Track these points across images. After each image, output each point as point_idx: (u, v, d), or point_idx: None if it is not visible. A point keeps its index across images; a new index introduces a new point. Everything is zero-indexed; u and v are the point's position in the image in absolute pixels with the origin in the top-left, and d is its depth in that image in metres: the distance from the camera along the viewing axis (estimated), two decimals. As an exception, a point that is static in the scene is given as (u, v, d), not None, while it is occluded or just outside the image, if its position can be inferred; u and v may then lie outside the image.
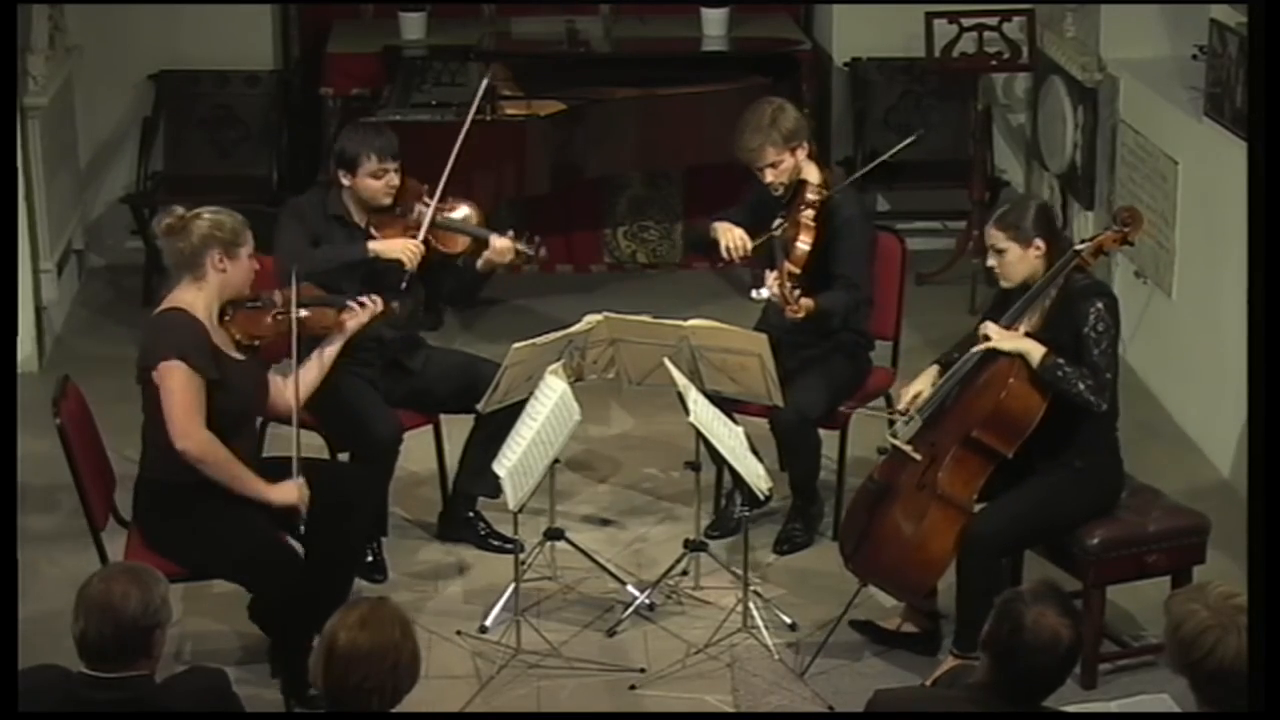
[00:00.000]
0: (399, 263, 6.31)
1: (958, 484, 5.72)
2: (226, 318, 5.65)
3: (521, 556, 6.14)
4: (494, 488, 6.00)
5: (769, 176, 6.50)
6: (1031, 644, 4.04)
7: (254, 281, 5.74)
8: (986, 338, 5.70)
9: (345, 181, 6.36)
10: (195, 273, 5.57)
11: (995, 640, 4.09)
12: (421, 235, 6.38)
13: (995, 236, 5.73)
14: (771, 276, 6.29)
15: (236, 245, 5.58)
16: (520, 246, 6.53)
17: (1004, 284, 5.79)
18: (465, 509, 6.67)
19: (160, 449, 5.55)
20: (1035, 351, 5.61)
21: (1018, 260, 5.70)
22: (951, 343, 6.09)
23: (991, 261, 5.77)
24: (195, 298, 5.58)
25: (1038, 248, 5.69)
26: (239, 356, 5.64)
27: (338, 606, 4.17)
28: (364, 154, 6.30)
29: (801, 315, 6.25)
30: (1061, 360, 5.59)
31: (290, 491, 5.58)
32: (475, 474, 6.51)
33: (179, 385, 5.46)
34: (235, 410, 5.62)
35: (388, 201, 6.38)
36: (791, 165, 6.49)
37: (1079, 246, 5.72)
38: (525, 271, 9.10)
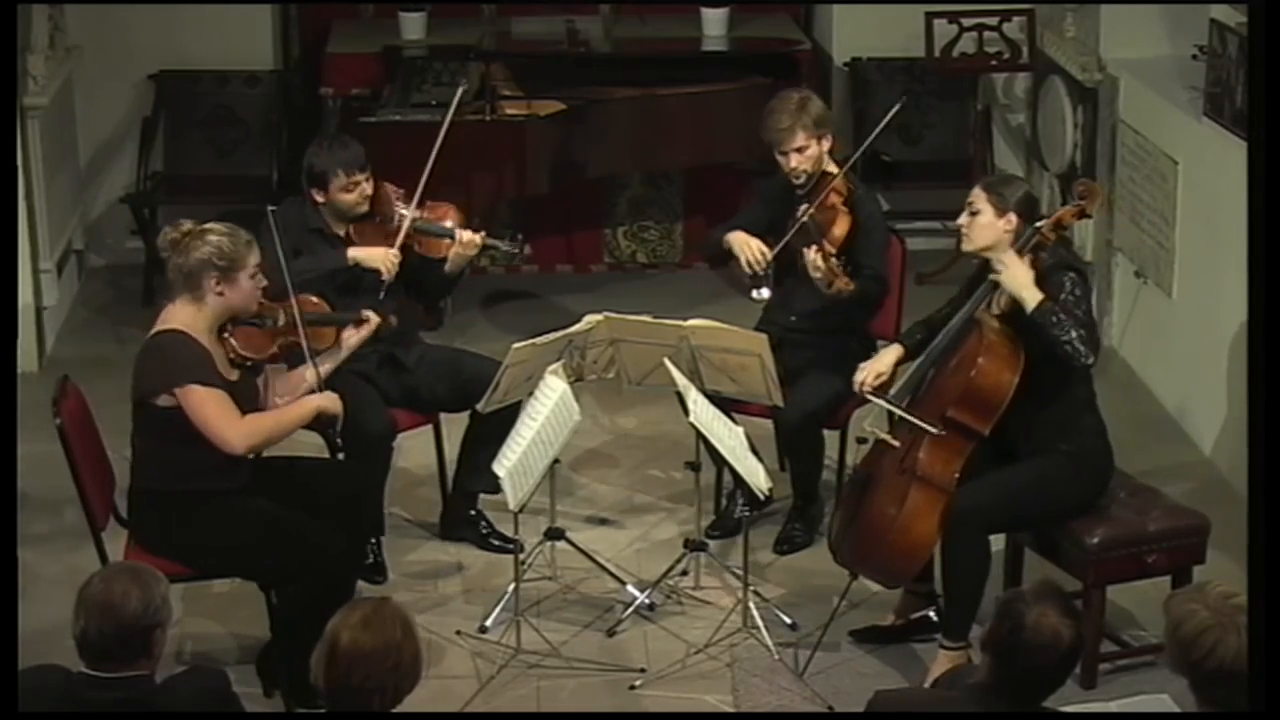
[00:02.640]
0: (376, 271, 6.35)
1: (937, 464, 5.72)
2: (225, 334, 5.59)
3: (521, 556, 6.14)
4: (494, 484, 5.99)
5: (794, 161, 6.50)
6: (1032, 644, 4.05)
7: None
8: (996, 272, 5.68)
9: (319, 198, 6.41)
10: (194, 293, 5.52)
11: (996, 640, 4.10)
12: (399, 242, 6.41)
13: (977, 196, 5.79)
14: (813, 251, 6.29)
15: (235, 270, 5.49)
16: (494, 243, 6.61)
17: (964, 246, 5.83)
18: (467, 507, 6.67)
19: (156, 460, 5.54)
20: (1033, 298, 5.60)
21: (987, 225, 5.74)
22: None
23: (962, 220, 5.80)
24: (194, 318, 5.53)
25: (1010, 221, 5.73)
26: (233, 376, 5.58)
27: (343, 603, 4.18)
28: (331, 171, 6.36)
29: (851, 290, 6.27)
30: (1058, 307, 5.58)
31: (332, 398, 5.71)
32: (474, 471, 6.51)
33: (203, 400, 5.43)
34: None
35: (364, 210, 6.44)
36: (816, 154, 6.50)
37: (1039, 224, 5.73)
38: (525, 272, 9.13)
